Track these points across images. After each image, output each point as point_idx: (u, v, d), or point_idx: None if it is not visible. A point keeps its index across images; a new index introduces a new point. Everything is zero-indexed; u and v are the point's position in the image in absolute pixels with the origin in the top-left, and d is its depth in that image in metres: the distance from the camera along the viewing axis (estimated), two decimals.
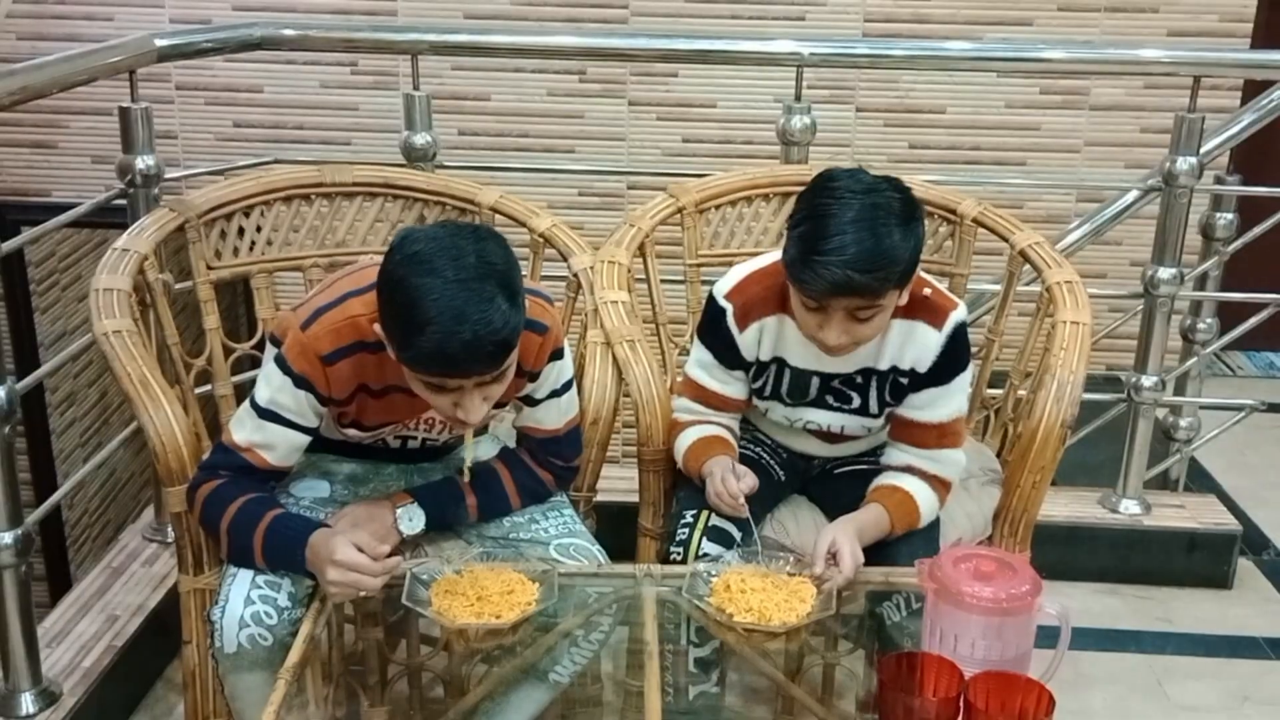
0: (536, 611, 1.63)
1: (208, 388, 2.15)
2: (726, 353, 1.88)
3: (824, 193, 1.67)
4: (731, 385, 1.92)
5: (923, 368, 1.82)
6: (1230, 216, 2.81)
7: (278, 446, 1.70)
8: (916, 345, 1.82)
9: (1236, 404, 2.90)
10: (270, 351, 1.73)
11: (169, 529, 2.50)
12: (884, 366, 1.84)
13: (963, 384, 1.86)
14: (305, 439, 1.72)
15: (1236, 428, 2.95)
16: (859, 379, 1.86)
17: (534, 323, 1.70)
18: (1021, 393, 2.19)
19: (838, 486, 1.97)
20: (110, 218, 2.44)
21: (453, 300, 1.47)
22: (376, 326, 1.58)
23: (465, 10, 3.73)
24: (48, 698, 2.07)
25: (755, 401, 1.95)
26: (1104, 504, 2.82)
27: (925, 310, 1.81)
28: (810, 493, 2.04)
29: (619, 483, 2.40)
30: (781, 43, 2.53)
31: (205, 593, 1.88)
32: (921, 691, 1.38)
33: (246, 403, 1.72)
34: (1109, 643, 2.55)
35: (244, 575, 1.68)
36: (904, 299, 1.74)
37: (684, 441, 1.93)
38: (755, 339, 1.86)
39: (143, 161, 2.32)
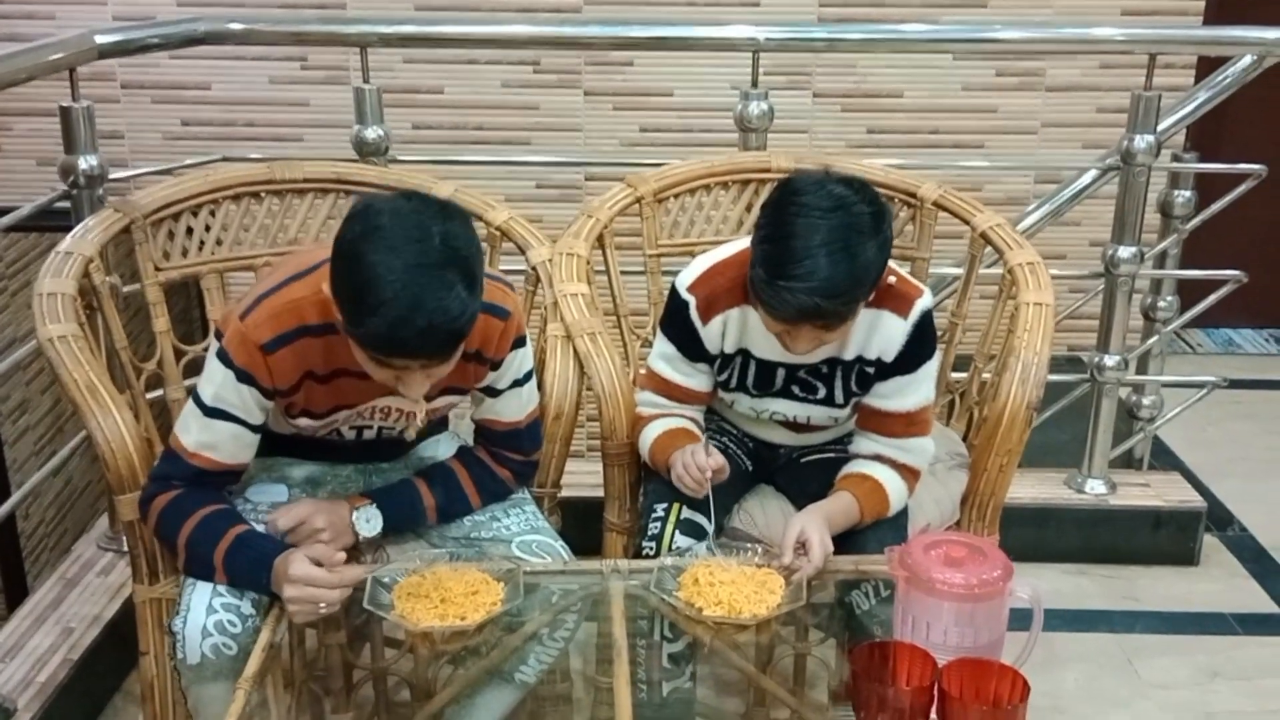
0: (502, 611, 1.59)
1: (159, 393, 2.10)
2: (690, 345, 1.85)
3: (790, 208, 1.61)
4: (695, 378, 1.90)
5: (889, 357, 1.80)
6: (1188, 194, 2.81)
7: (226, 445, 1.65)
8: (882, 335, 1.79)
9: (1199, 381, 2.91)
10: (213, 346, 1.68)
11: (124, 538, 2.45)
12: (850, 356, 1.82)
13: (929, 371, 1.84)
14: (255, 436, 1.68)
15: (1198, 404, 2.96)
16: (825, 369, 1.84)
17: (495, 307, 1.67)
18: (986, 376, 2.18)
19: (805, 475, 1.95)
20: (56, 221, 2.38)
21: (411, 285, 1.42)
22: (325, 287, 1.51)
23: (416, 2, 3.68)
24: (3, 715, 2.01)
25: (720, 393, 1.93)
26: (1070, 484, 2.82)
27: (890, 299, 1.78)
28: (777, 482, 2.02)
29: (584, 477, 2.36)
30: (737, 28, 2.51)
31: (162, 602, 1.84)
32: (895, 680, 1.36)
33: (190, 402, 1.67)
34: (1078, 623, 2.55)
35: (205, 583, 1.64)
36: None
37: (649, 435, 1.90)
38: (719, 331, 1.84)
39: (85, 162, 2.26)
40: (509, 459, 1.85)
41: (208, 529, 1.63)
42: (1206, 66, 3.09)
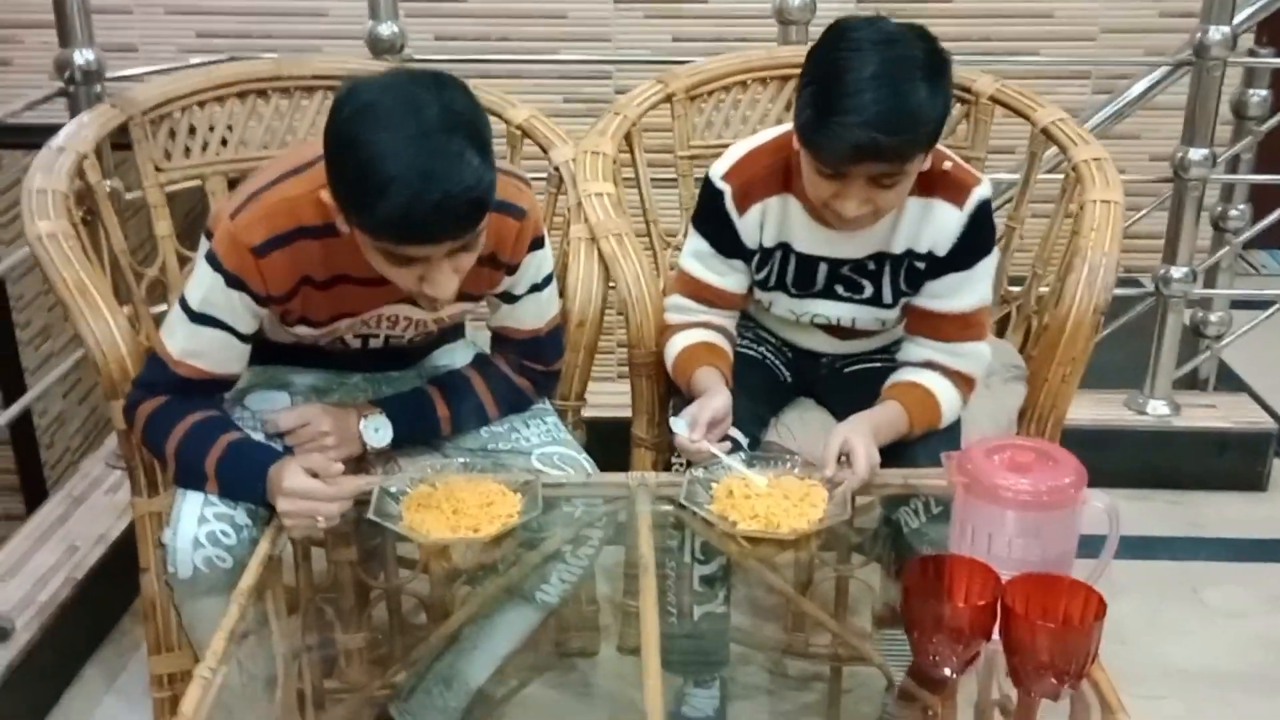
0: (519, 524, 1.47)
1: (163, 308, 1.97)
2: (725, 240, 1.71)
3: (839, 45, 1.48)
4: (730, 277, 1.75)
5: (942, 251, 1.64)
6: (1264, 93, 2.61)
7: (213, 354, 1.52)
8: (935, 226, 1.63)
9: (1271, 296, 2.72)
10: (203, 247, 1.54)
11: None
12: (899, 250, 1.66)
13: (987, 269, 1.68)
14: (245, 346, 1.54)
15: (1263, 328, 2.78)
16: (871, 265, 1.68)
17: (510, 205, 1.52)
18: (1044, 289, 2.02)
19: (849, 386, 1.80)
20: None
21: (417, 157, 1.28)
22: (324, 194, 1.38)
23: None
24: None
25: (757, 294, 1.78)
26: (1130, 406, 2.65)
27: (945, 186, 1.62)
28: (818, 394, 1.87)
29: (610, 398, 2.22)
30: None
31: (161, 516, 1.73)
32: (952, 597, 1.22)
33: (177, 305, 1.53)
34: (1140, 550, 2.39)
35: (196, 493, 1.52)
36: (927, 164, 1.55)
37: (674, 347, 1.76)
38: (757, 222, 1.69)
39: (82, 55, 2.13)
40: (529, 369, 1.71)
41: (198, 437, 1.51)
42: None
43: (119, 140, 1.95)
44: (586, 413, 1.92)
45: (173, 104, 1.97)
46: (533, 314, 1.68)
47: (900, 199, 1.57)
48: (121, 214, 2.08)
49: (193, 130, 1.99)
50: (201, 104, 1.98)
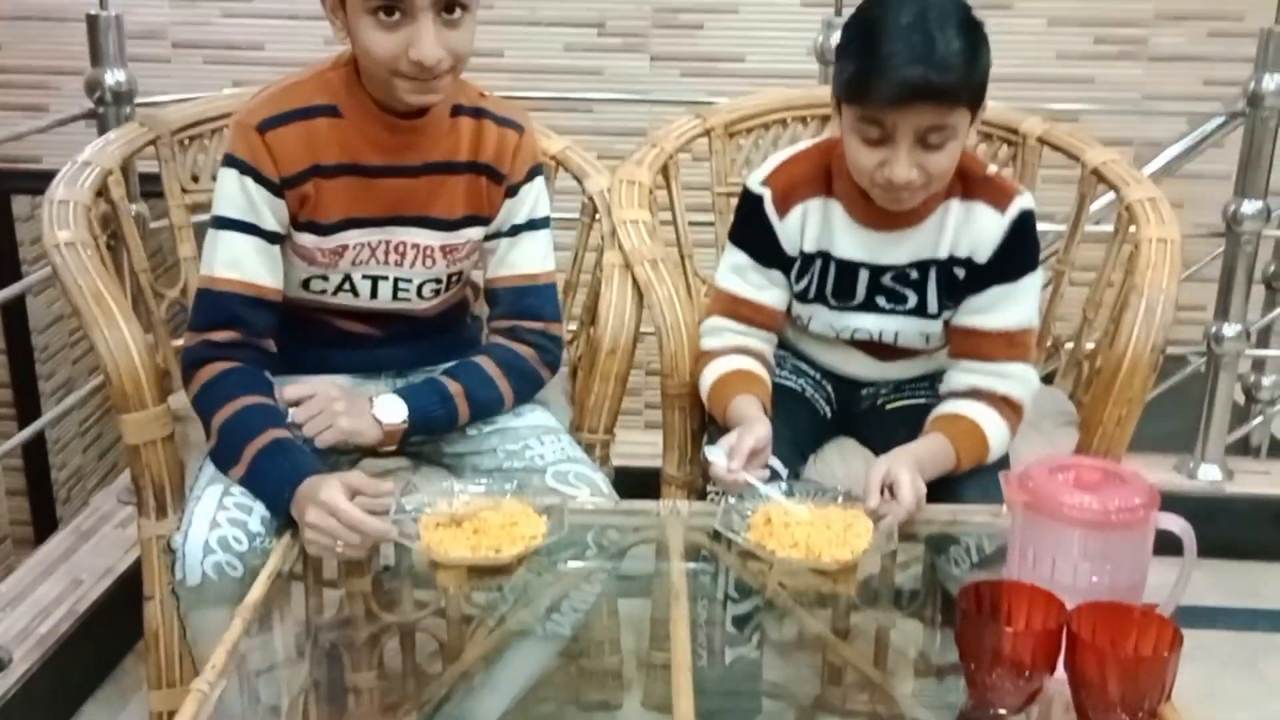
0: (542, 546, 1.38)
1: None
2: (764, 248, 1.66)
3: (872, 6, 1.50)
4: (769, 291, 1.68)
5: (982, 257, 1.59)
6: None
7: (249, 259, 1.53)
8: (975, 229, 1.59)
9: None
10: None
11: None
12: (942, 255, 1.61)
13: (1032, 286, 1.61)
14: (273, 248, 1.55)
15: None
16: (914, 273, 1.62)
17: (507, 119, 1.62)
18: (1094, 339, 1.94)
19: (892, 424, 1.71)
20: None
21: None
22: (331, 73, 1.48)
23: None
24: None
25: (796, 309, 1.71)
26: (1181, 470, 2.54)
27: (986, 190, 1.59)
28: (860, 433, 1.78)
29: (639, 447, 2.17)
30: None
31: (170, 541, 1.65)
32: (1012, 626, 1.11)
33: (209, 232, 1.56)
34: (1195, 619, 2.22)
35: (211, 494, 1.46)
36: (972, 137, 1.53)
37: (710, 375, 1.68)
38: (798, 225, 1.64)
39: (113, 76, 2.10)
40: (527, 331, 1.67)
41: (248, 420, 1.48)
42: None
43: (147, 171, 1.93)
44: (614, 462, 1.84)
45: (203, 125, 1.93)
46: (531, 255, 1.67)
47: (947, 166, 1.52)
48: (146, 241, 2.03)
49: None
50: None
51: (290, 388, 1.54)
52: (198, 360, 1.53)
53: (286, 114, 1.50)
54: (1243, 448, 2.67)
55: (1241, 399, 2.71)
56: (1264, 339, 2.68)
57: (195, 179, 1.92)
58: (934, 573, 1.62)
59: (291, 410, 1.52)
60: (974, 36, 1.47)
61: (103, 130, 2.12)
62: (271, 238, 1.54)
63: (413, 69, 1.43)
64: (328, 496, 1.36)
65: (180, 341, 1.88)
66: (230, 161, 1.51)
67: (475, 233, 1.64)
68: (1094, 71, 3.52)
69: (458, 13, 1.44)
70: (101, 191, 1.80)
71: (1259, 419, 2.65)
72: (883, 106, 1.46)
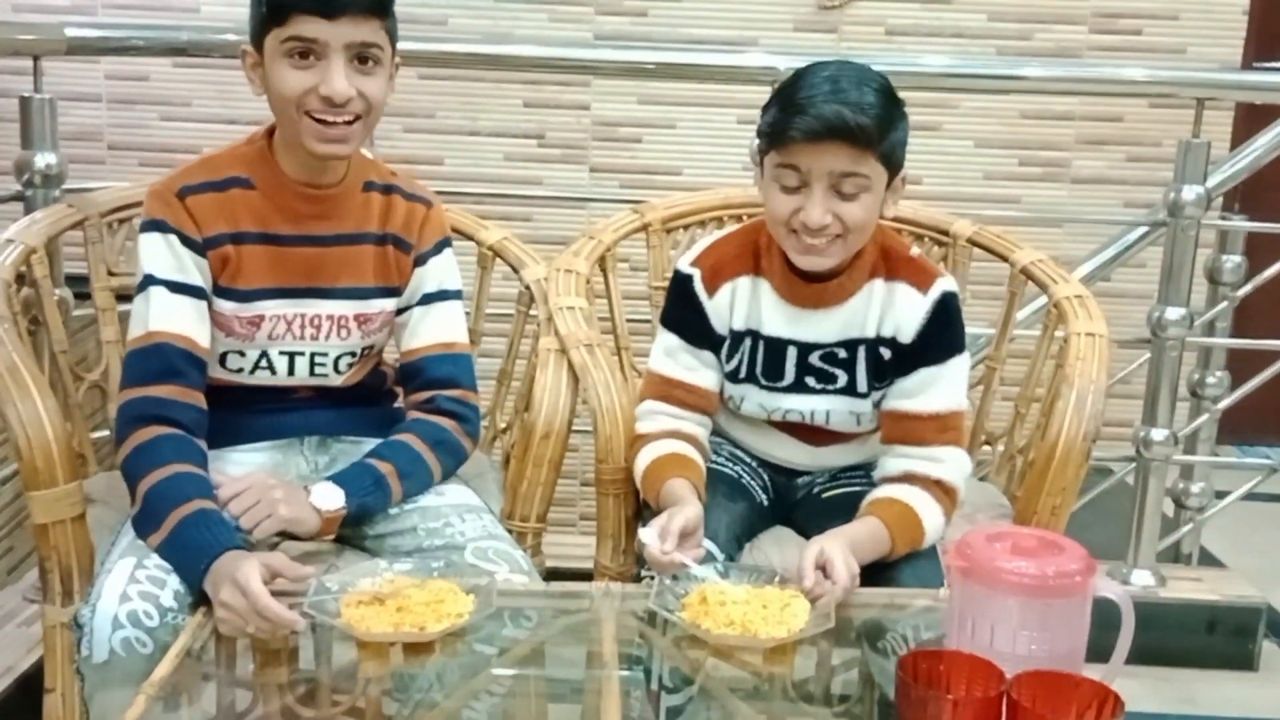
0: (467, 624, 1.32)
1: (104, 430, 1.85)
2: (695, 328, 1.67)
3: (798, 70, 1.57)
4: (701, 373, 1.68)
5: (906, 337, 1.60)
6: (1238, 259, 2.61)
7: (183, 313, 1.53)
8: (898, 309, 1.61)
9: (1256, 464, 2.66)
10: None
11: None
12: (869, 334, 1.63)
13: (959, 370, 1.63)
14: (200, 304, 1.55)
15: (1241, 511, 2.70)
16: (842, 352, 1.63)
17: (417, 195, 1.67)
18: (1025, 433, 1.95)
19: (827, 513, 1.69)
20: None
21: None
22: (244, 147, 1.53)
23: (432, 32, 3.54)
24: None
25: (729, 390, 1.71)
26: (1114, 575, 2.54)
27: (908, 271, 1.62)
28: (796, 522, 1.76)
29: (572, 549, 2.17)
30: (754, 55, 2.37)
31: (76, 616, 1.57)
32: (952, 694, 1.08)
33: (135, 294, 1.57)
34: None
35: (123, 566, 1.40)
36: (889, 209, 1.59)
37: (644, 459, 1.66)
38: (728, 303, 1.66)
39: (43, 159, 2.08)
40: (446, 399, 1.67)
41: (177, 486, 1.44)
42: (1244, 123, 2.93)
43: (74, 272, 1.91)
44: (548, 564, 1.80)
45: (133, 209, 1.90)
46: (442, 325, 1.68)
47: (862, 218, 1.54)
48: (67, 324, 1.98)
49: None
50: None
51: (224, 488, 1.49)
52: (136, 418, 1.50)
53: (202, 183, 1.55)
54: (1174, 556, 2.68)
55: (1171, 509, 2.73)
56: (1190, 446, 2.71)
57: (122, 261, 1.89)
58: (875, 652, 1.59)
59: (230, 504, 1.47)
60: (890, 101, 1.52)
61: (29, 212, 2.08)
62: (200, 293, 1.55)
63: (322, 105, 1.47)
64: (242, 576, 1.32)
65: (98, 434, 1.85)
66: (152, 225, 1.54)
67: (388, 303, 1.66)
68: (1019, 191, 3.62)
69: (370, 64, 1.50)
70: (22, 276, 1.76)
71: (1189, 525, 2.66)
72: (799, 145, 1.49)
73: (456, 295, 1.71)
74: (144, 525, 1.45)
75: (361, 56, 1.49)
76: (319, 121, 1.49)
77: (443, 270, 1.69)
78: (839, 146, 1.49)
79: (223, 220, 1.55)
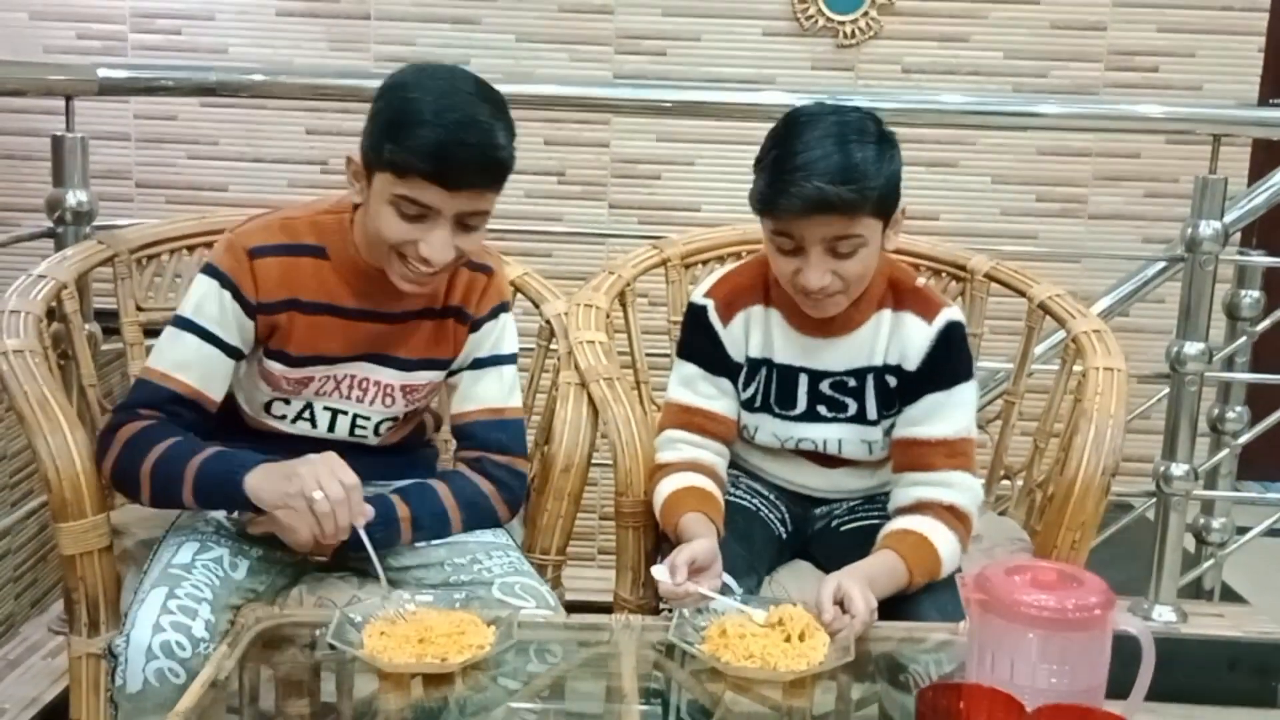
0: (489, 655, 1.34)
1: None
2: (712, 356, 1.70)
3: (788, 122, 1.57)
4: (719, 400, 1.71)
5: (911, 365, 1.63)
6: (1256, 294, 2.62)
7: (199, 366, 1.55)
8: (903, 338, 1.64)
9: (1278, 499, 2.65)
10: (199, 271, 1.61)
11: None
12: (877, 362, 1.65)
13: (966, 397, 1.64)
14: (228, 362, 1.56)
15: (1264, 550, 2.68)
16: (851, 381, 1.66)
17: (479, 264, 1.65)
18: (1045, 466, 1.95)
19: (845, 546, 1.70)
20: None
21: (455, 108, 1.41)
22: (323, 215, 1.54)
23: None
24: None
25: (745, 419, 1.73)
26: (1135, 612, 2.53)
27: (914, 301, 1.65)
28: (813, 555, 1.77)
29: (591, 582, 2.17)
30: (771, 93, 2.39)
31: (100, 660, 1.59)
32: None
33: (167, 326, 1.59)
34: None
35: (155, 596, 1.42)
36: (891, 242, 1.59)
37: (663, 491, 1.68)
38: (742, 331, 1.69)
39: (74, 197, 2.12)
40: (493, 464, 1.65)
41: (178, 451, 1.49)
42: (1259, 160, 2.94)
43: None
44: (567, 596, 1.81)
45: (162, 245, 1.95)
46: (495, 390, 1.67)
47: (861, 271, 1.57)
48: (96, 357, 2.02)
49: (179, 276, 1.96)
50: (191, 248, 1.96)
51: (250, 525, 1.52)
52: (114, 425, 1.54)
53: (276, 245, 1.55)
54: (1195, 592, 2.67)
55: (1192, 545, 2.72)
56: (1211, 481, 2.71)
57: (152, 297, 1.92)
58: (887, 702, 1.59)
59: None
60: (876, 148, 1.53)
61: (60, 249, 2.12)
62: (230, 352, 1.56)
63: (417, 260, 1.47)
64: (340, 465, 1.42)
65: None
66: (213, 272, 1.55)
67: (437, 375, 1.67)
68: (1037, 227, 3.64)
69: (474, 227, 1.50)
70: (53, 310, 1.80)
71: (1210, 561, 2.65)
72: (788, 220, 1.52)
73: (510, 360, 1.69)
74: (164, 493, 1.49)
75: (468, 223, 1.49)
76: (409, 267, 1.49)
77: (498, 334, 1.68)
78: (828, 218, 1.51)
79: (284, 288, 1.55)
